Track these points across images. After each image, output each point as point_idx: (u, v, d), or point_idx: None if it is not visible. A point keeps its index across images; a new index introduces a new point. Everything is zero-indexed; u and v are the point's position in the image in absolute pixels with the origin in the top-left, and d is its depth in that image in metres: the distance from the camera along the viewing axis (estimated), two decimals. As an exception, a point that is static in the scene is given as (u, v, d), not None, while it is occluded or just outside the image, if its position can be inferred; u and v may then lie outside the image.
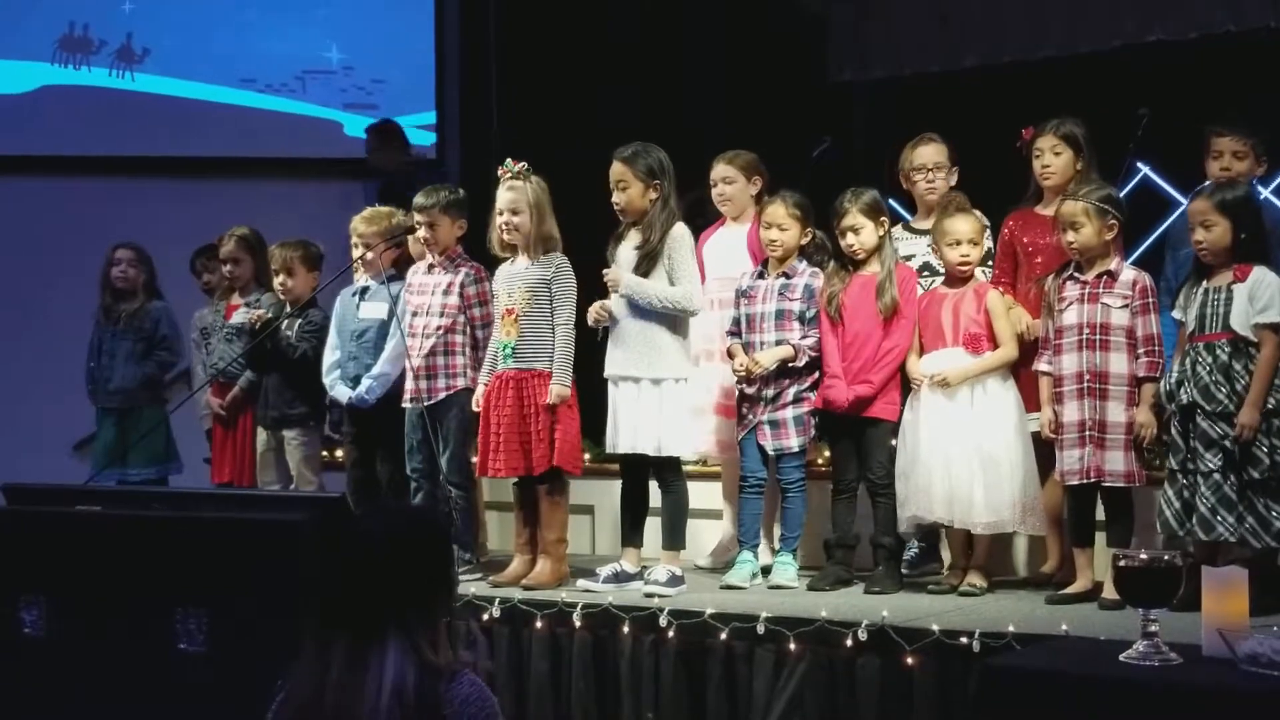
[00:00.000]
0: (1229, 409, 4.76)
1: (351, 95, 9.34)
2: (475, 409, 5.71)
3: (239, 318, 6.61)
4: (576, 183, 5.82)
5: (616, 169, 5.47)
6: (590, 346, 5.60)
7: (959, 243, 5.37)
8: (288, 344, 6.37)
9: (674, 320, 5.48)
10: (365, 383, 6.01)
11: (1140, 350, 5.06)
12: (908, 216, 6.09)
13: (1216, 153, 5.58)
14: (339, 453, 6.62)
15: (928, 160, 5.82)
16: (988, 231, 5.60)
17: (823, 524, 5.75)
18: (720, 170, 6.08)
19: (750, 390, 5.58)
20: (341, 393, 6.07)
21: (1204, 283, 4.93)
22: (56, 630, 4.24)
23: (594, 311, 5.51)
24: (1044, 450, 5.29)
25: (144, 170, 8.95)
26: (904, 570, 5.58)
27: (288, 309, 6.49)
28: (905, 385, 5.48)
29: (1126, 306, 5.07)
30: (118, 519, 4.37)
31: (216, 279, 7.12)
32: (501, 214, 5.59)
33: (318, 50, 9.33)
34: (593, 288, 5.61)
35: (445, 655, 2.81)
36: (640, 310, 5.45)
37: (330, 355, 6.19)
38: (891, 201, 6.04)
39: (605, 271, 5.50)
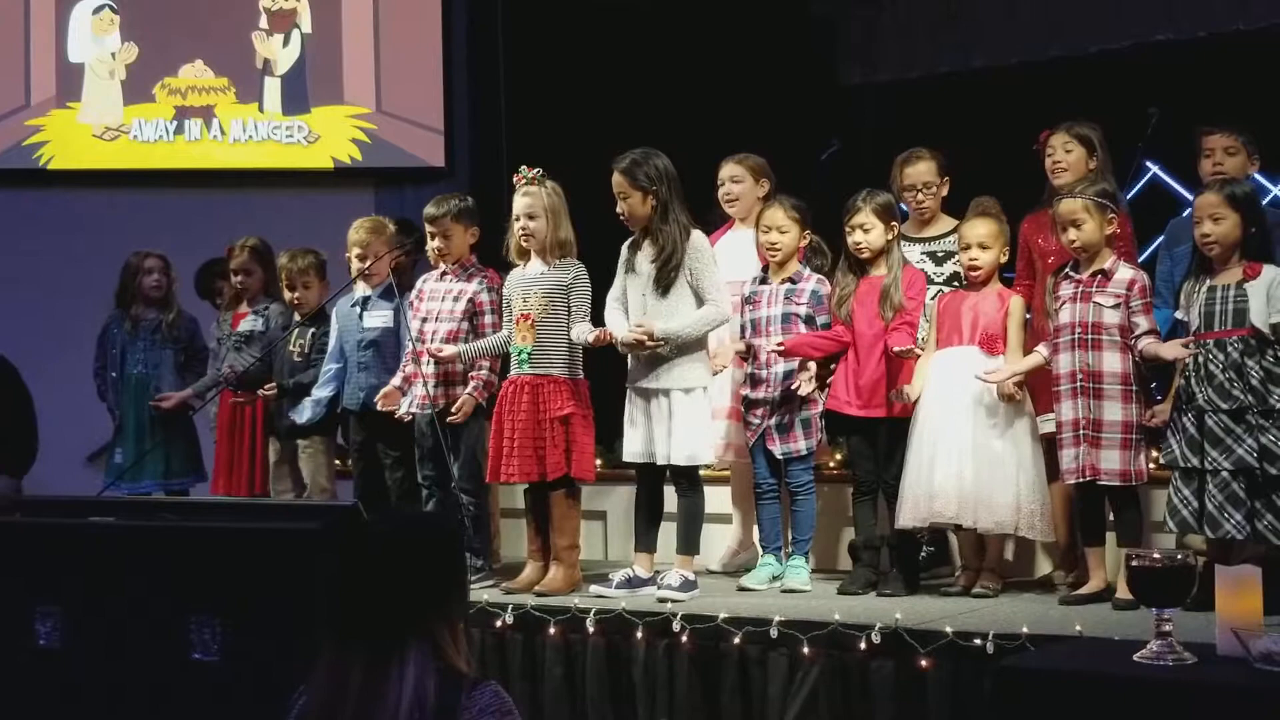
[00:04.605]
0: (1243, 405, 4.74)
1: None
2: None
3: (237, 328, 6.65)
4: (584, 187, 5.80)
5: (616, 180, 5.43)
6: (605, 353, 5.52)
7: (969, 246, 5.39)
8: (303, 361, 6.39)
9: None
10: (310, 410, 6.15)
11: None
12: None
13: (1208, 150, 5.57)
14: (349, 461, 6.62)
15: (917, 179, 5.82)
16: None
17: (831, 527, 5.75)
18: (728, 170, 6.07)
19: (756, 395, 5.57)
20: (300, 413, 6.20)
21: (1207, 280, 4.91)
22: (71, 641, 4.24)
23: (635, 339, 5.34)
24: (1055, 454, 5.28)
25: (140, 182, 9.01)
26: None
27: (295, 318, 6.49)
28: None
29: (1118, 306, 5.04)
30: (132, 529, 4.37)
31: (227, 290, 7.12)
32: (518, 219, 5.57)
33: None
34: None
35: (465, 655, 2.81)
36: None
37: (330, 365, 6.18)
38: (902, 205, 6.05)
39: (642, 336, 5.31)
